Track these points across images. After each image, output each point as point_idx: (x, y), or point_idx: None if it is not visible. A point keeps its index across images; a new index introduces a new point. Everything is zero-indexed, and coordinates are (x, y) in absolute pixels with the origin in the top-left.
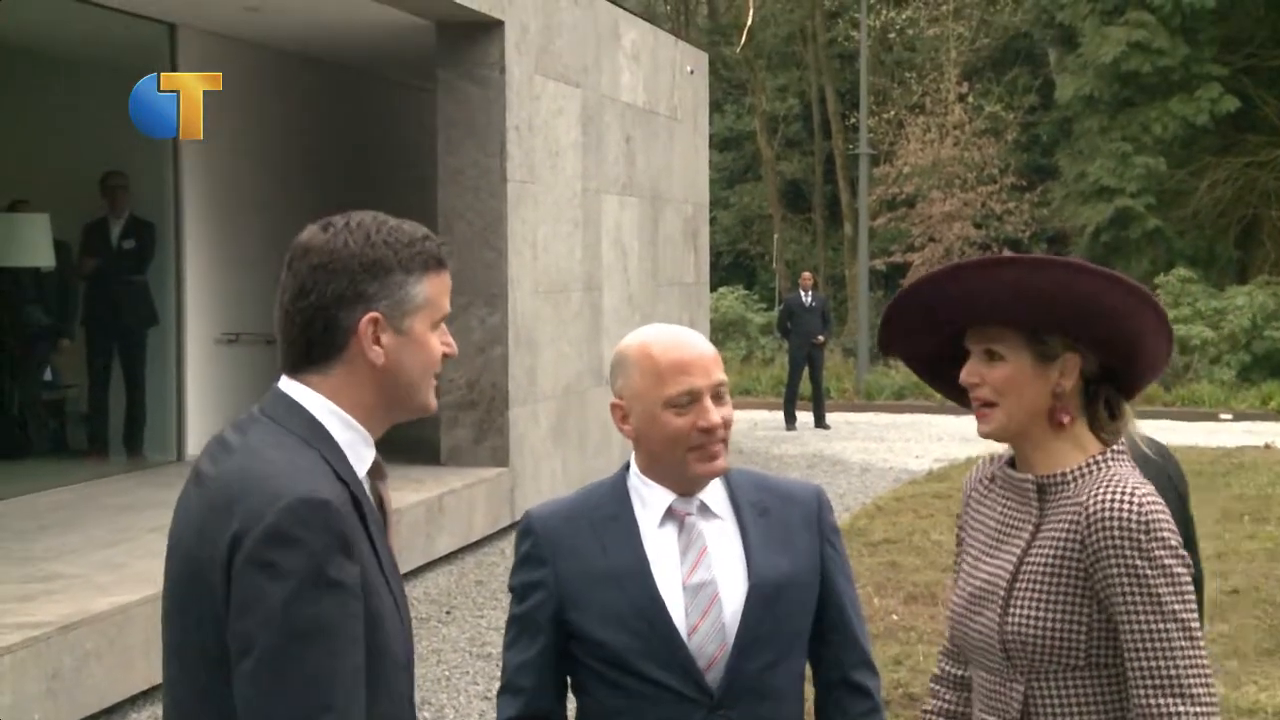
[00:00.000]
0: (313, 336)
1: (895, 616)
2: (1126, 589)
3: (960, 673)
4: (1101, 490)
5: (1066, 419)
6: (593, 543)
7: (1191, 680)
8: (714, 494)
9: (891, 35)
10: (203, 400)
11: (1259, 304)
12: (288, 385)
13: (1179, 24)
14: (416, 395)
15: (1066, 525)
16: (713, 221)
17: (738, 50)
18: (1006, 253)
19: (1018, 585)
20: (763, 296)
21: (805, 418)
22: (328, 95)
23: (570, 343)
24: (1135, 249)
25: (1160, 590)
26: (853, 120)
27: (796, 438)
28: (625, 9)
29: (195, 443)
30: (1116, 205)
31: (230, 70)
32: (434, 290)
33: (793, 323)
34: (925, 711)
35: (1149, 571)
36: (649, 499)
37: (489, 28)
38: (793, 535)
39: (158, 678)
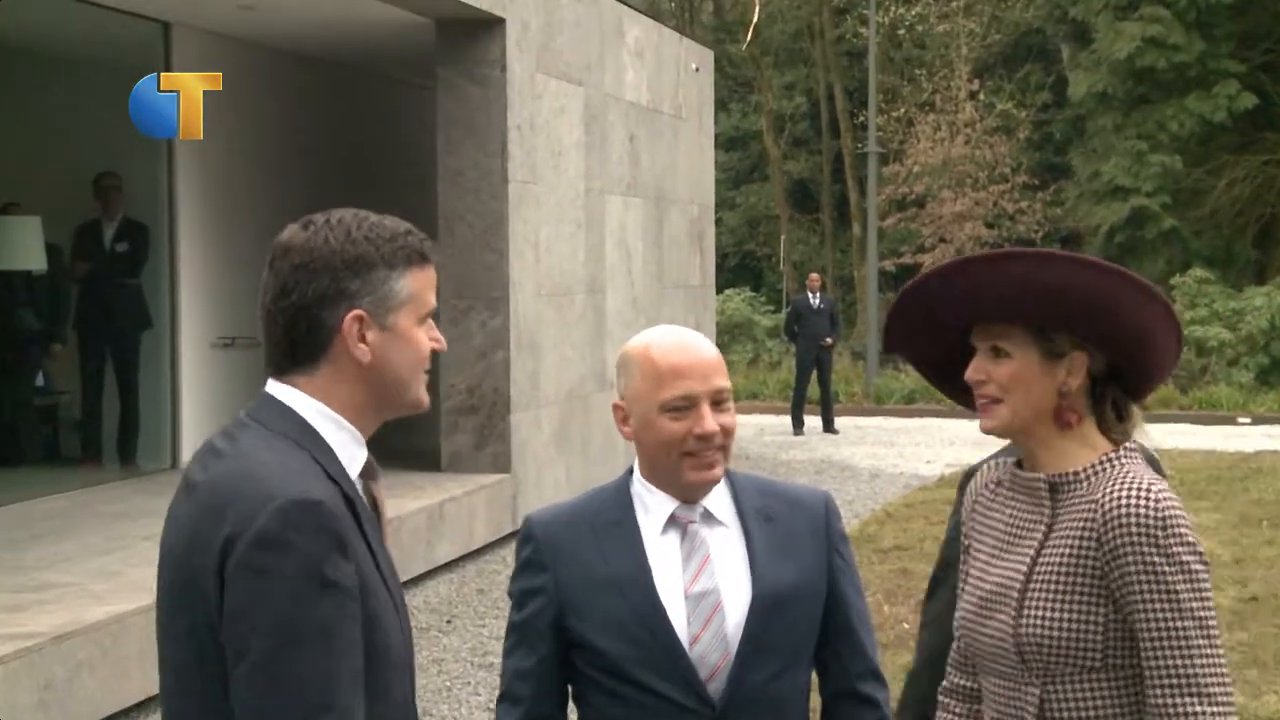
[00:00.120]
0: (296, 337)
1: (906, 625)
2: (1144, 587)
3: (969, 684)
4: (1117, 487)
5: (1074, 419)
6: (594, 549)
7: (1209, 680)
8: (718, 500)
9: (901, 31)
10: (198, 405)
11: (1278, 305)
12: (275, 388)
13: (1195, 19)
14: (406, 392)
15: (1081, 524)
16: (718, 222)
17: (744, 47)
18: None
19: (1032, 586)
20: (770, 299)
21: (813, 422)
22: (325, 94)
23: (573, 346)
24: (1151, 249)
25: (1178, 588)
26: (861, 118)
27: (804, 443)
28: (629, 5)
29: (190, 449)
30: (1132, 205)
31: (226, 69)
32: (418, 285)
33: (800, 325)
34: None
35: (1167, 569)
36: (652, 505)
37: (490, 25)
38: (799, 543)
39: (153, 688)
